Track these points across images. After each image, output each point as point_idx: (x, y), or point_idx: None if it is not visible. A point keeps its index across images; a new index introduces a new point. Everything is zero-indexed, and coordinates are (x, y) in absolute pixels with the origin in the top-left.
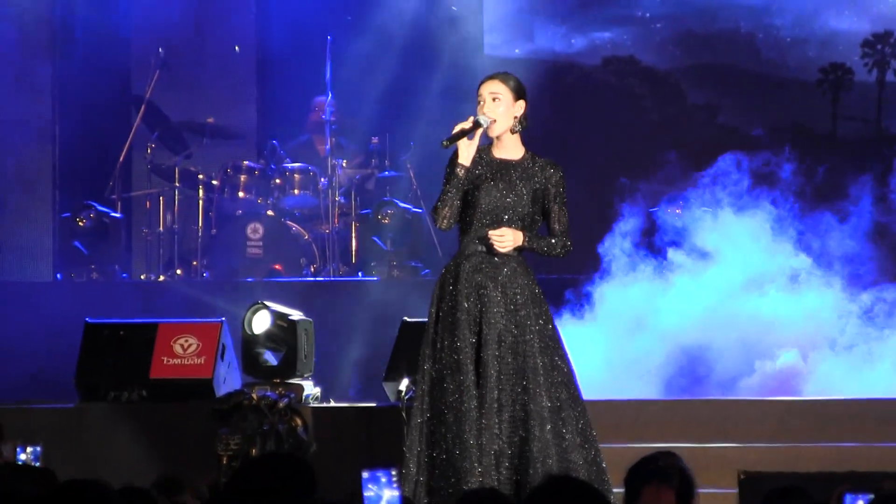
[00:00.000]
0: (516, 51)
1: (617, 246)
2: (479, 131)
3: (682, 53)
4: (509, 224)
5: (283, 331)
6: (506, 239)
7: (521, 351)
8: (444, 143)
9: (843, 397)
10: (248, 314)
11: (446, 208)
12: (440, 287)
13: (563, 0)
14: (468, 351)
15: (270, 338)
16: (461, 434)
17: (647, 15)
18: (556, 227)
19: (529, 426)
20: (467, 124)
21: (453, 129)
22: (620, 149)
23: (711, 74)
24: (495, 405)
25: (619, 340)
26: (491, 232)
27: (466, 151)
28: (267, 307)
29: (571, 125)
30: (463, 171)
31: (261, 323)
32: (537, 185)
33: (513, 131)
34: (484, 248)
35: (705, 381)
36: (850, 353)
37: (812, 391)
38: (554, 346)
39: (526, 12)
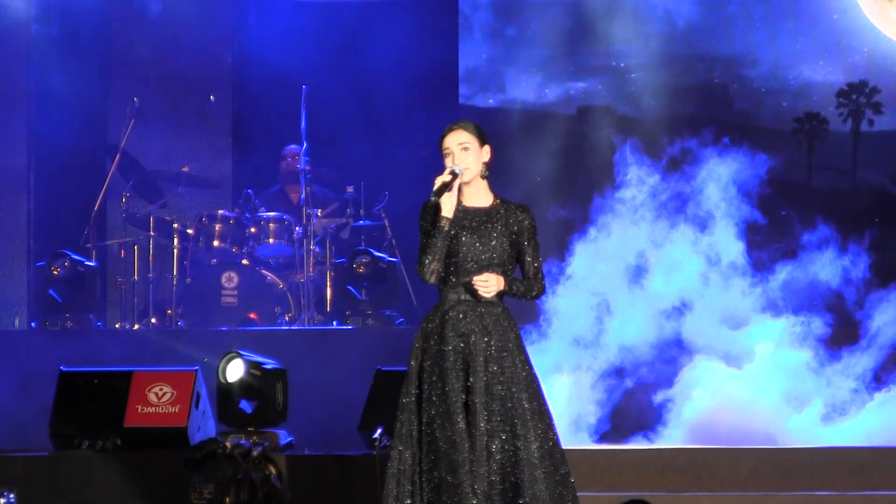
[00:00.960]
0: (490, 101)
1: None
2: (457, 182)
3: (658, 103)
4: (489, 270)
5: (258, 380)
6: (490, 284)
7: (510, 397)
8: (432, 199)
9: (814, 446)
10: (223, 363)
11: (435, 262)
12: (423, 338)
13: (538, 50)
14: (457, 401)
15: (245, 387)
16: (458, 486)
17: (622, 65)
18: (531, 269)
19: (520, 472)
20: (446, 177)
21: (434, 184)
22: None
23: (687, 124)
24: (485, 452)
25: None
26: (476, 278)
27: (449, 203)
28: (241, 356)
29: (546, 173)
30: (447, 224)
31: (235, 372)
32: (511, 230)
33: (483, 177)
34: (467, 297)
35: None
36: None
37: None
38: (536, 392)
39: (500, 63)
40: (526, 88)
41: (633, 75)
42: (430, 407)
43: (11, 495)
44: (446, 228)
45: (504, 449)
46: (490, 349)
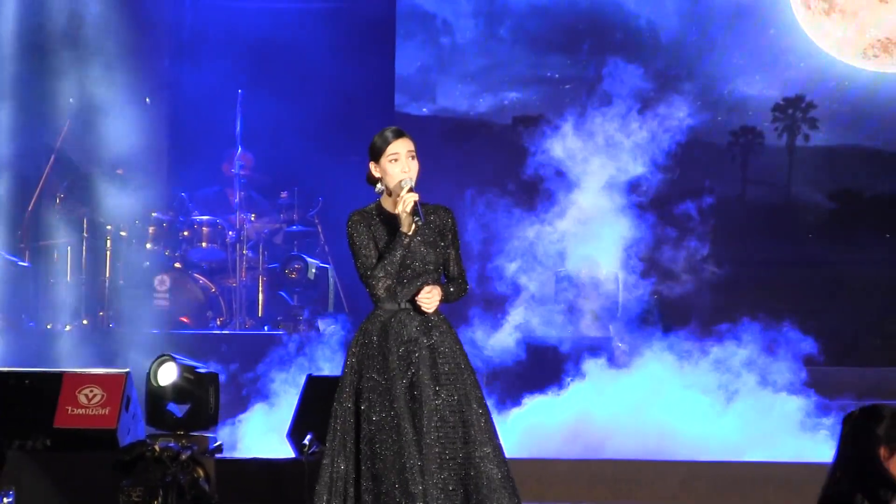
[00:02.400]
0: (423, 109)
1: None
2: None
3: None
4: (425, 277)
5: (190, 383)
6: (433, 297)
7: (459, 402)
8: (417, 220)
9: (745, 460)
10: (154, 366)
11: (389, 279)
12: (361, 346)
13: (471, 61)
14: (404, 407)
15: (176, 390)
16: (406, 488)
17: (557, 76)
18: (455, 269)
19: (476, 478)
20: (413, 195)
21: (404, 201)
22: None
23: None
24: (437, 460)
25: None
26: (422, 294)
27: (408, 220)
28: (173, 359)
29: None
30: (408, 240)
31: (167, 375)
32: (438, 231)
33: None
34: (407, 305)
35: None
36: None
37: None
38: (481, 397)
39: (434, 72)
40: (460, 97)
41: (567, 87)
42: (372, 416)
43: (11, 493)
44: (405, 243)
45: (457, 455)
46: (436, 355)
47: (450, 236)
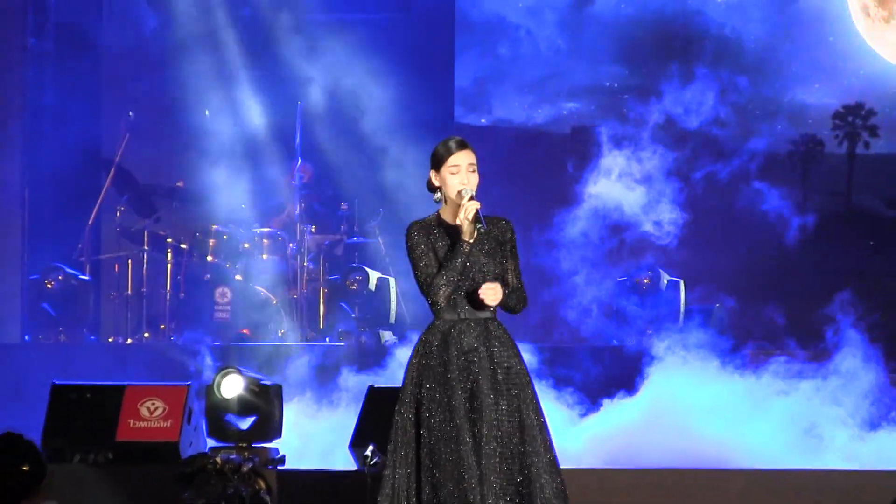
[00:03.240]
0: (482, 120)
1: None
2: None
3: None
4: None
5: (254, 395)
6: (497, 290)
7: (516, 411)
8: (480, 227)
9: (801, 468)
10: (218, 378)
11: (451, 287)
12: (421, 356)
13: (529, 71)
14: (464, 418)
15: (240, 402)
16: (465, 497)
17: (615, 85)
18: (514, 280)
19: (531, 483)
20: (475, 203)
21: (466, 209)
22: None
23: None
24: (496, 468)
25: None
26: (485, 286)
27: (470, 228)
28: (237, 371)
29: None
30: (469, 248)
31: (231, 387)
32: (498, 242)
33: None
34: (466, 314)
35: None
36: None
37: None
38: (538, 406)
39: (492, 82)
40: (518, 108)
41: (625, 96)
42: (433, 425)
43: None
44: (467, 251)
45: (514, 465)
46: (495, 364)
47: (508, 247)
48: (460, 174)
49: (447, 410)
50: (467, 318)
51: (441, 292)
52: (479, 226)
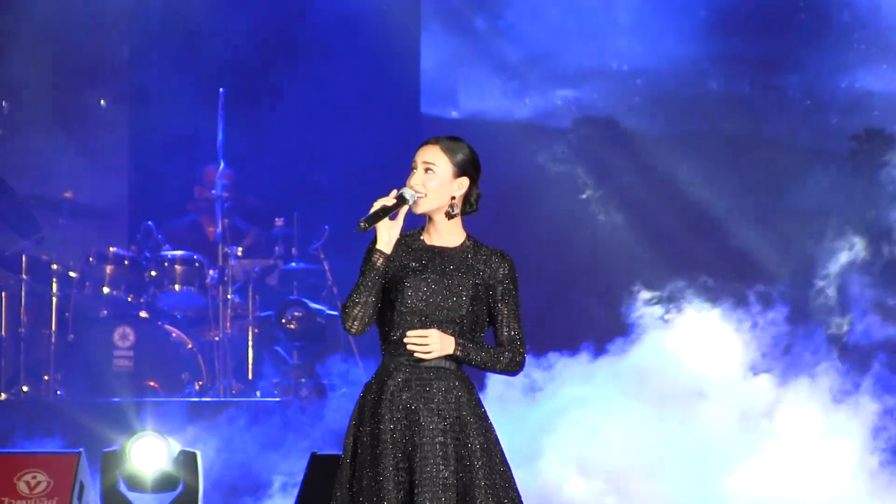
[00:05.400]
0: (453, 113)
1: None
2: (405, 209)
3: (668, 118)
4: (442, 328)
5: (173, 465)
6: (430, 342)
7: (467, 494)
8: (361, 224)
9: None
10: (129, 444)
11: (357, 308)
12: (359, 411)
13: (515, 50)
14: (393, 496)
15: (157, 474)
16: None
17: (625, 67)
18: (505, 333)
19: None
20: (389, 200)
21: (372, 206)
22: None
23: (704, 145)
24: None
25: None
26: (410, 332)
27: (387, 234)
28: (152, 434)
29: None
30: (382, 260)
31: (147, 455)
32: (479, 281)
33: (449, 215)
34: (411, 360)
35: None
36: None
37: None
38: (505, 485)
39: (469, 65)
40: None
41: (637, 81)
42: (361, 499)
43: None
44: (379, 265)
45: None
46: (441, 430)
47: (500, 290)
48: (415, 174)
49: (375, 489)
50: (411, 363)
51: (347, 318)
52: (362, 224)
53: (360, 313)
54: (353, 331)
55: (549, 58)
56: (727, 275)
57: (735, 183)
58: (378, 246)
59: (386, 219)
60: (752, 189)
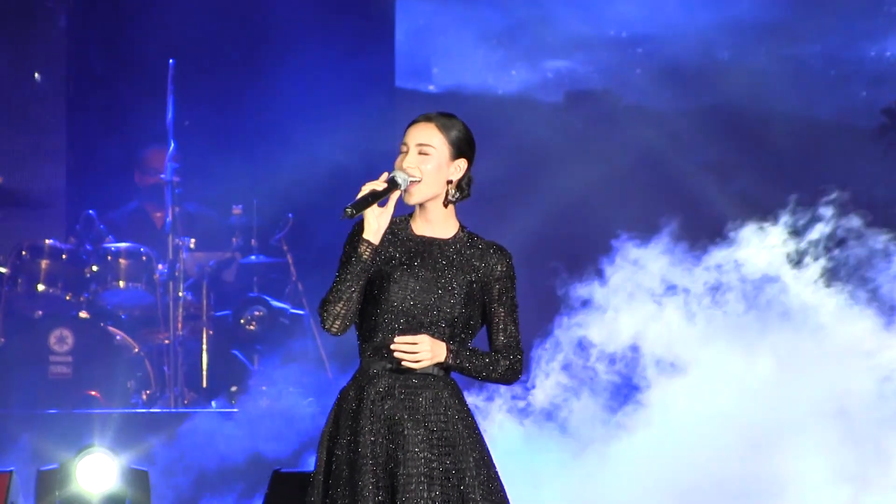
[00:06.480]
0: (430, 87)
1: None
2: (396, 195)
3: (674, 92)
4: (431, 330)
5: (123, 484)
6: (420, 350)
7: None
8: (348, 210)
9: None
10: (75, 461)
11: (340, 304)
12: (333, 422)
13: (499, 15)
14: None
15: (103, 495)
16: None
17: (624, 35)
18: (501, 338)
19: None
20: (379, 184)
21: (359, 190)
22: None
23: (717, 123)
24: None
25: None
26: (398, 338)
27: (376, 223)
28: (99, 451)
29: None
30: (369, 252)
31: (93, 473)
32: (474, 277)
33: (446, 202)
34: (395, 365)
35: None
36: None
37: None
38: (498, 500)
39: (448, 33)
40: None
41: (638, 50)
42: None
43: None
44: (366, 257)
45: None
46: (428, 444)
47: (496, 289)
48: (408, 155)
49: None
50: (394, 369)
51: (327, 316)
52: (348, 210)
53: (344, 311)
54: (335, 330)
55: (537, 24)
56: None
57: (749, 165)
58: (365, 235)
59: (375, 205)
60: (767, 170)
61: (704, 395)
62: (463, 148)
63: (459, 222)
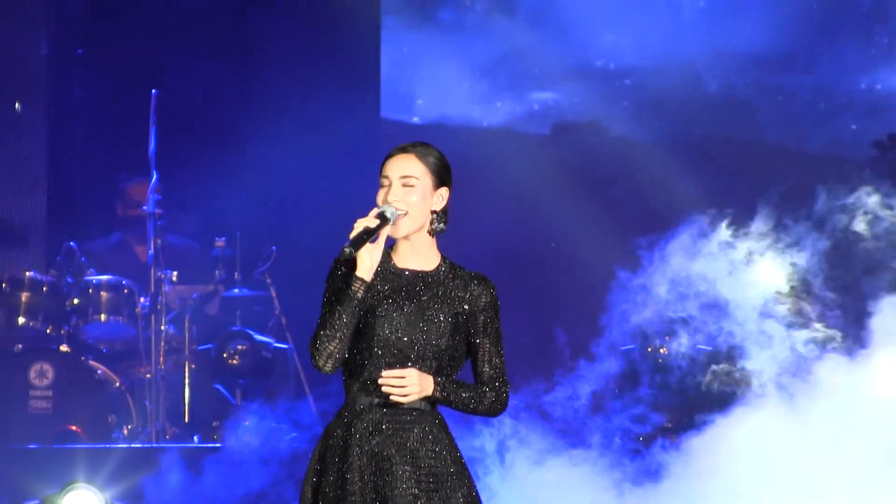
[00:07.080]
0: (414, 119)
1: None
2: (386, 229)
3: (661, 124)
4: (418, 364)
5: None
6: (408, 384)
7: None
8: (346, 249)
9: None
10: (59, 498)
11: (335, 342)
12: (319, 458)
13: (484, 46)
14: None
15: None
16: None
17: (611, 66)
18: (486, 369)
19: None
20: (371, 220)
21: (353, 226)
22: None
23: (705, 154)
24: None
25: None
26: (385, 372)
27: (369, 260)
28: (84, 487)
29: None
30: (363, 290)
31: None
32: (460, 309)
33: (431, 232)
34: (382, 400)
35: None
36: None
37: None
38: None
39: (433, 64)
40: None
41: (626, 82)
42: None
43: None
44: (360, 295)
45: None
46: (416, 480)
47: (481, 319)
48: (391, 189)
49: None
50: (382, 404)
51: (319, 354)
52: (347, 249)
53: (337, 350)
54: (328, 369)
55: (523, 55)
56: None
57: (737, 196)
58: (358, 273)
59: (367, 242)
60: (756, 203)
61: None
62: (443, 175)
63: (441, 253)
